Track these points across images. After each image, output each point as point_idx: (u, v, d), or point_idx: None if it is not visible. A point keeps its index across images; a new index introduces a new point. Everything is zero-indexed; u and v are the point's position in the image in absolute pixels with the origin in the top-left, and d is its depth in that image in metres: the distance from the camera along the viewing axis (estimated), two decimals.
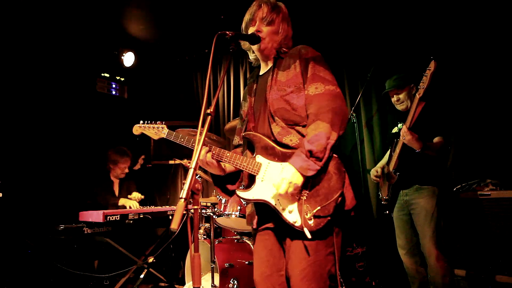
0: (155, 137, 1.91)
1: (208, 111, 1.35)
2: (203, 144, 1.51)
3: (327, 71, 1.66)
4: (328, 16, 4.02)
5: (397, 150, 2.60)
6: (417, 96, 2.45)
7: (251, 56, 1.93)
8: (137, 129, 1.95)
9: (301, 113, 1.63)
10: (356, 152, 3.63)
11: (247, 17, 1.80)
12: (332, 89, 1.61)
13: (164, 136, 1.87)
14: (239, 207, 2.97)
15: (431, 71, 2.39)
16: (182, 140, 1.79)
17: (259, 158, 1.66)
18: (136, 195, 3.90)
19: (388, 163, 2.74)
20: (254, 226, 1.75)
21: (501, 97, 3.09)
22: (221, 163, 1.75)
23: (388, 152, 2.82)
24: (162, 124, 1.89)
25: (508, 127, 3.04)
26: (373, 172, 2.86)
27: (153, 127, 1.90)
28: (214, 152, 1.69)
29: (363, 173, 3.71)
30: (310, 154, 1.48)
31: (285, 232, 1.62)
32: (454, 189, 3.01)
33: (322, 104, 1.57)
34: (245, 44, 1.89)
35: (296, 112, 1.64)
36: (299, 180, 1.49)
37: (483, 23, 3.15)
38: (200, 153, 1.30)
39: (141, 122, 1.94)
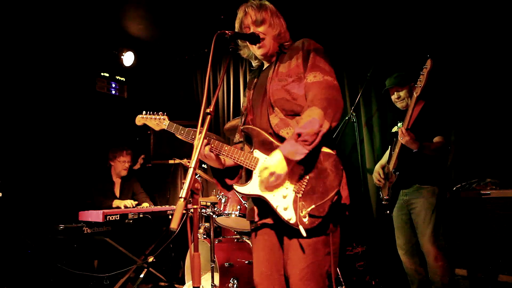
0: (157, 128, 1.94)
1: (208, 110, 1.35)
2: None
3: (327, 63, 1.67)
4: (328, 16, 4.02)
5: (396, 149, 2.60)
6: (415, 95, 2.46)
7: (254, 63, 1.94)
8: (139, 120, 2.00)
9: (301, 103, 1.64)
10: (356, 152, 3.63)
11: (237, 26, 1.80)
12: (330, 80, 1.62)
13: (165, 127, 1.90)
14: (239, 207, 2.97)
15: (428, 69, 2.39)
16: (182, 132, 1.81)
17: (257, 153, 1.66)
18: (145, 205, 3.88)
19: (388, 162, 2.74)
20: (256, 219, 1.72)
21: (500, 96, 3.09)
22: (220, 157, 1.75)
23: (388, 151, 2.81)
24: (163, 115, 1.93)
25: (507, 126, 3.04)
26: (375, 176, 2.82)
27: (155, 118, 1.94)
28: (213, 145, 1.70)
29: (363, 173, 3.71)
30: (298, 136, 1.48)
31: (284, 231, 1.62)
32: (454, 188, 3.01)
33: (318, 91, 1.58)
34: (244, 53, 1.90)
35: (296, 101, 1.64)
36: (282, 169, 1.49)
37: (482, 21, 3.15)
38: (200, 152, 1.30)
39: (144, 112, 1.98)
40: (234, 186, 1.68)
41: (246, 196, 1.75)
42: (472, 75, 3.20)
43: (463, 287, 2.78)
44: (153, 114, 1.95)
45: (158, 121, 1.92)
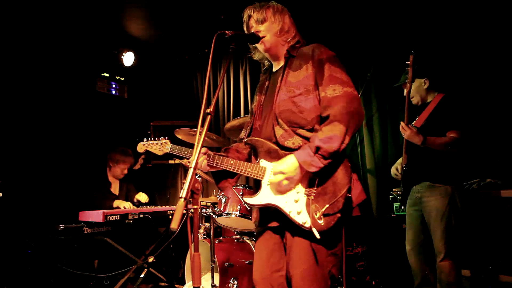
0: (159, 153, 1.99)
1: (208, 110, 1.35)
2: (203, 146, 1.51)
3: (344, 72, 1.66)
4: (327, 16, 4.01)
5: (404, 144, 2.58)
6: (406, 90, 2.55)
7: (266, 64, 1.94)
8: (141, 147, 2.04)
9: (307, 117, 1.62)
10: (356, 152, 3.63)
11: (245, 29, 1.83)
12: (350, 91, 1.60)
13: (168, 151, 1.94)
14: (239, 207, 2.96)
15: (411, 64, 2.49)
16: (186, 153, 1.85)
17: (263, 163, 1.66)
18: (141, 196, 3.88)
19: None
20: (257, 225, 1.76)
21: (500, 95, 3.08)
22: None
23: None
24: (165, 139, 1.96)
25: (508, 125, 3.03)
26: (393, 171, 2.81)
27: (157, 143, 1.97)
28: (218, 161, 1.70)
29: (363, 172, 3.70)
30: (317, 150, 1.48)
31: (287, 231, 1.63)
32: None
33: (340, 106, 1.55)
34: (254, 55, 1.91)
35: (302, 115, 1.63)
36: (296, 174, 1.50)
37: (479, 21, 3.15)
38: (200, 152, 1.30)
39: (145, 140, 2.03)
40: (244, 198, 1.67)
41: (256, 207, 1.74)
42: (471, 74, 3.19)
43: (464, 287, 2.78)
44: (155, 140, 1.97)
45: (160, 146, 1.96)
